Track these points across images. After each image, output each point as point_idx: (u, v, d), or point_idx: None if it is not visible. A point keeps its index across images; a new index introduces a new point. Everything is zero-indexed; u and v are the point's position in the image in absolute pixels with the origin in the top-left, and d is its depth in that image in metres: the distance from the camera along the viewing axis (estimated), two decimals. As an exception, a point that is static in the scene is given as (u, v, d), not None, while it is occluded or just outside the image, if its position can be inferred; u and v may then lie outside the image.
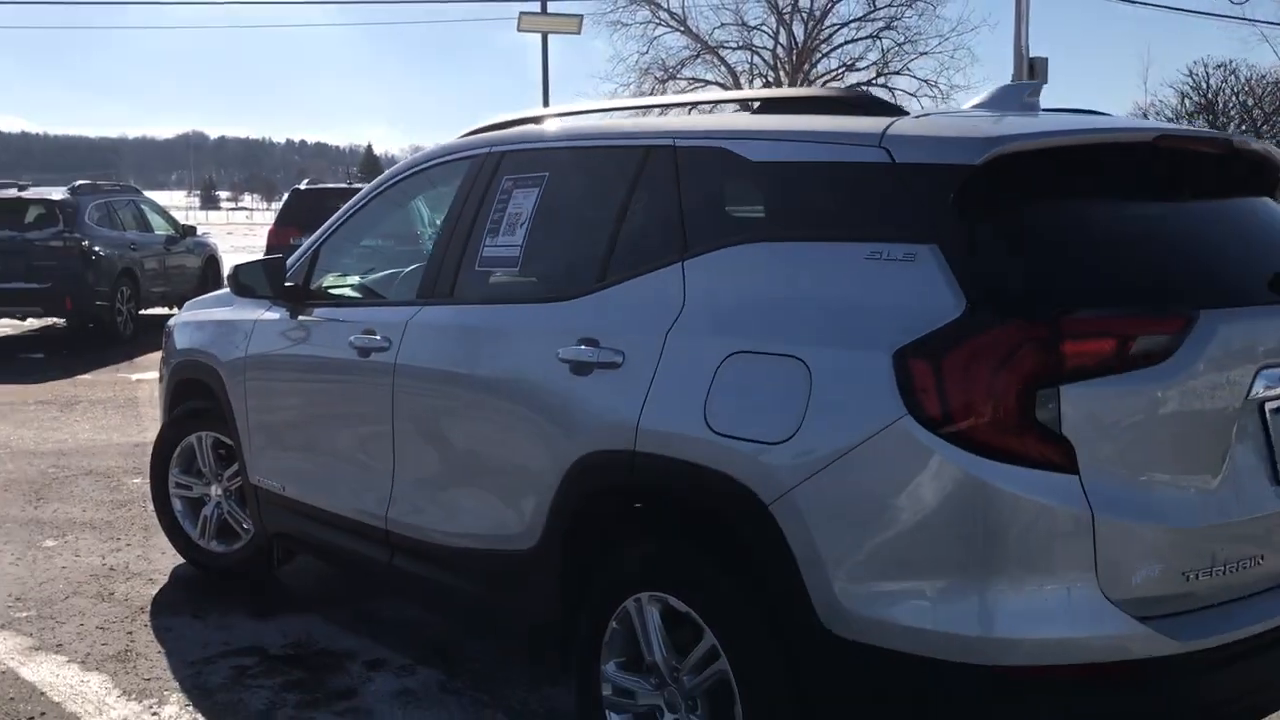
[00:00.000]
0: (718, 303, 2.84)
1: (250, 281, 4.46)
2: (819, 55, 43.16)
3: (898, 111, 2.84)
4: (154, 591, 4.85)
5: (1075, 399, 2.31)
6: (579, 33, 22.97)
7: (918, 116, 2.79)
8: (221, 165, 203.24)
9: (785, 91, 3.16)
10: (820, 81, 43.20)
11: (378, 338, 3.85)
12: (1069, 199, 2.61)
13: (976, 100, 3.16)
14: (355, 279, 4.46)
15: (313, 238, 4.57)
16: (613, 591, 3.01)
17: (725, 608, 2.70)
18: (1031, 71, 26.02)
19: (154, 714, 3.69)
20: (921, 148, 2.60)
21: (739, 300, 2.80)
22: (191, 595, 4.82)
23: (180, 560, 5.14)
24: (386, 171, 4.47)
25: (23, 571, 5.09)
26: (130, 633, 4.38)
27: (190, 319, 5.19)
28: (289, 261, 4.52)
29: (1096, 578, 2.32)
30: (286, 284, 4.39)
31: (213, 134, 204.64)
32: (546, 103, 23.98)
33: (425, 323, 3.74)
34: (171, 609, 4.65)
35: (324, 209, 11.61)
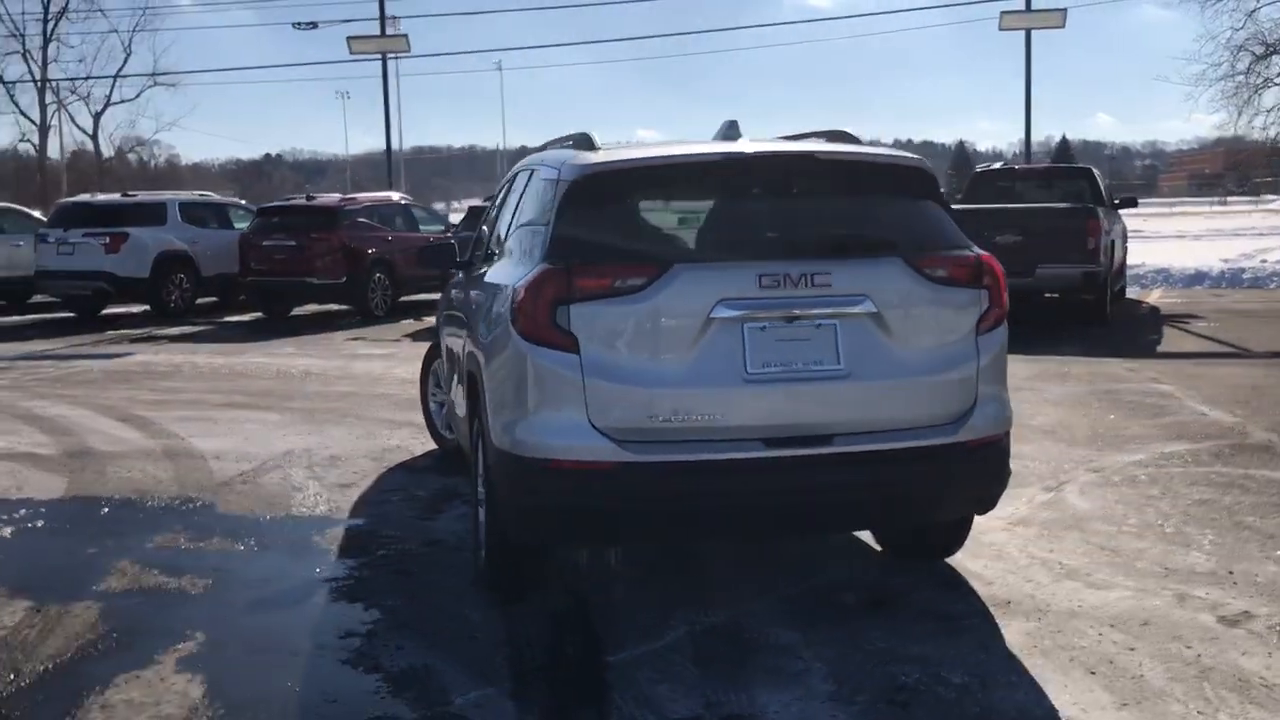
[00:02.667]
0: (509, 257, 4.82)
1: (433, 259, 6.97)
2: None
3: (594, 149, 4.59)
4: (404, 459, 7.54)
5: (581, 311, 4.05)
6: (1062, 27, 23.21)
7: (597, 150, 4.54)
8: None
9: (586, 137, 4.93)
10: None
11: (467, 289, 6.16)
12: (631, 198, 4.29)
13: (714, 135, 4.85)
14: (484, 253, 6.77)
15: (481, 224, 6.99)
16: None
17: (482, 438, 4.69)
18: None
19: (340, 509, 6.31)
20: (568, 171, 4.41)
21: (512, 256, 4.76)
22: (421, 462, 7.45)
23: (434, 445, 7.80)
24: (502, 180, 6.73)
25: (351, 443, 8.04)
26: (364, 474, 7.07)
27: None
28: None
29: (587, 414, 4.04)
30: (458, 259, 6.83)
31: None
32: (1029, 96, 24.49)
33: (481, 275, 5.98)
34: (401, 468, 7.30)
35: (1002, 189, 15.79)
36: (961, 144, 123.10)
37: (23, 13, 53.37)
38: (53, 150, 55.82)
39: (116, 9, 71.84)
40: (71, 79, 53.71)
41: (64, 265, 18.02)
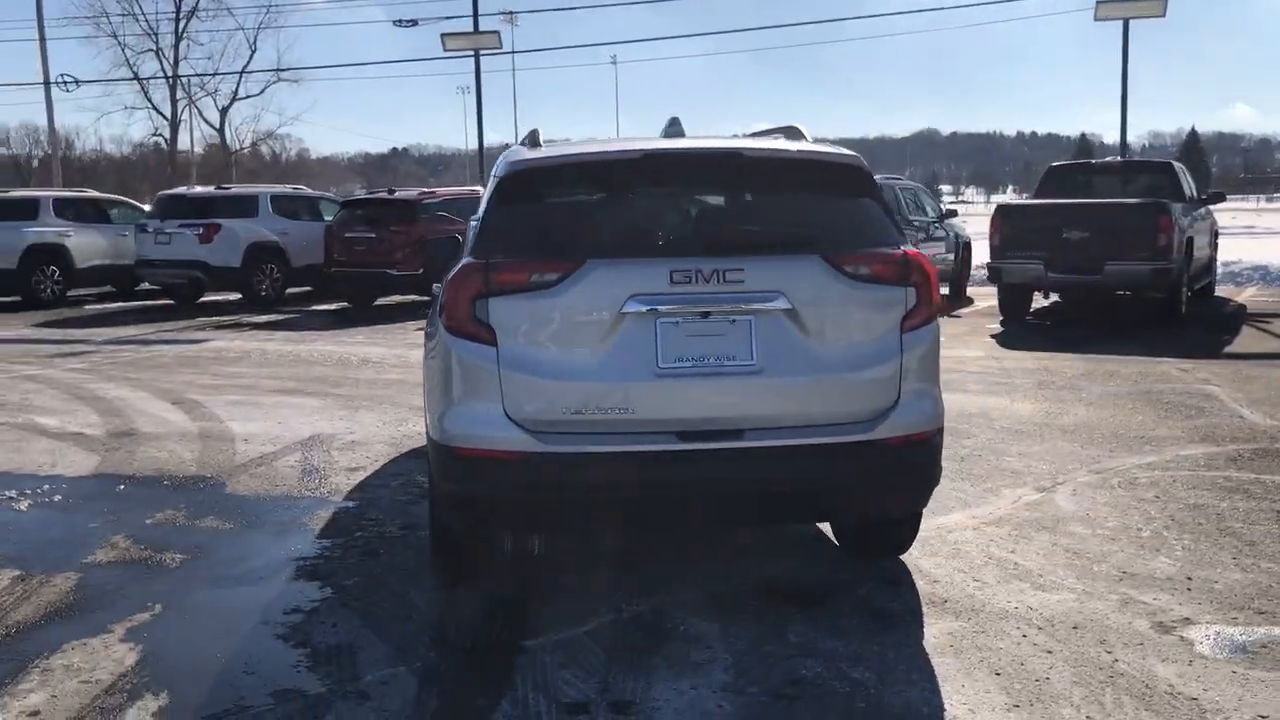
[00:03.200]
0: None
1: (438, 253, 7.15)
2: None
3: (538, 145, 4.72)
4: (420, 445, 7.76)
5: (498, 305, 4.17)
6: (1162, 15, 22.42)
7: (540, 147, 4.67)
8: (953, 160, 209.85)
9: (533, 134, 5.05)
10: None
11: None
12: (556, 195, 4.39)
13: (660, 132, 4.93)
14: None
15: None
16: None
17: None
18: None
19: (337, 492, 6.57)
20: (501, 168, 4.55)
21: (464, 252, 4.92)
22: (432, 449, 7.68)
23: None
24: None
25: (376, 429, 8.31)
26: (376, 459, 7.33)
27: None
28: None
29: (503, 405, 4.17)
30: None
31: (945, 130, 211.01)
32: (1124, 87, 23.73)
33: None
34: (413, 454, 7.52)
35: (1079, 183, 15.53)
36: (1084, 136, 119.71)
37: (156, 13, 55.82)
38: (183, 144, 58.30)
39: (243, 7, 74.48)
40: (200, 75, 56.05)
41: (161, 254, 18.84)
